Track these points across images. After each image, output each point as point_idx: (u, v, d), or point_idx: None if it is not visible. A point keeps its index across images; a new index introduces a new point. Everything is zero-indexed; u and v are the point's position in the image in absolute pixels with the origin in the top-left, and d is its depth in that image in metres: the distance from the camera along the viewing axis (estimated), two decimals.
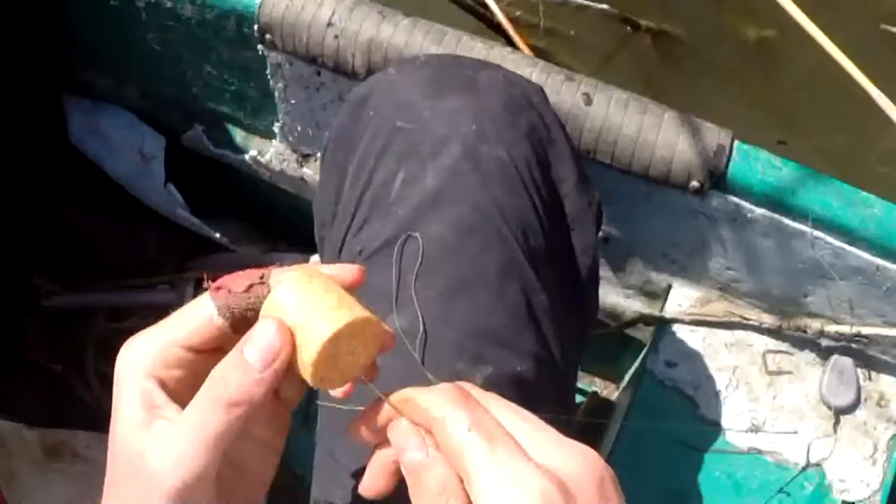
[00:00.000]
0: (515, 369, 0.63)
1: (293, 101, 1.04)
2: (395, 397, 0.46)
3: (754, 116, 1.54)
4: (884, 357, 0.96)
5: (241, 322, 0.46)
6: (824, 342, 0.97)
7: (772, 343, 0.99)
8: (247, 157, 1.15)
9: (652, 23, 1.61)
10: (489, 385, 0.61)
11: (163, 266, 1.30)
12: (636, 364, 1.11)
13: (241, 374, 0.43)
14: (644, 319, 1.04)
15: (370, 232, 0.68)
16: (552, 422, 0.46)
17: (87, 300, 1.29)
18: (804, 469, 0.93)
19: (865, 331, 0.93)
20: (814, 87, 1.51)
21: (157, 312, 1.26)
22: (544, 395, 0.65)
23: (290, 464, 0.52)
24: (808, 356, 0.98)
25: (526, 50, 1.43)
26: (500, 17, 1.26)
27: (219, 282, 0.47)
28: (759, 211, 0.89)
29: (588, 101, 0.86)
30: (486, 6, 1.45)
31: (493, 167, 0.67)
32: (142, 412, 0.44)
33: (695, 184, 0.86)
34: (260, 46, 0.97)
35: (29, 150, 1.20)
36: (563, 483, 0.41)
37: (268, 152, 1.14)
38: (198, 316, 0.46)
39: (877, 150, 1.46)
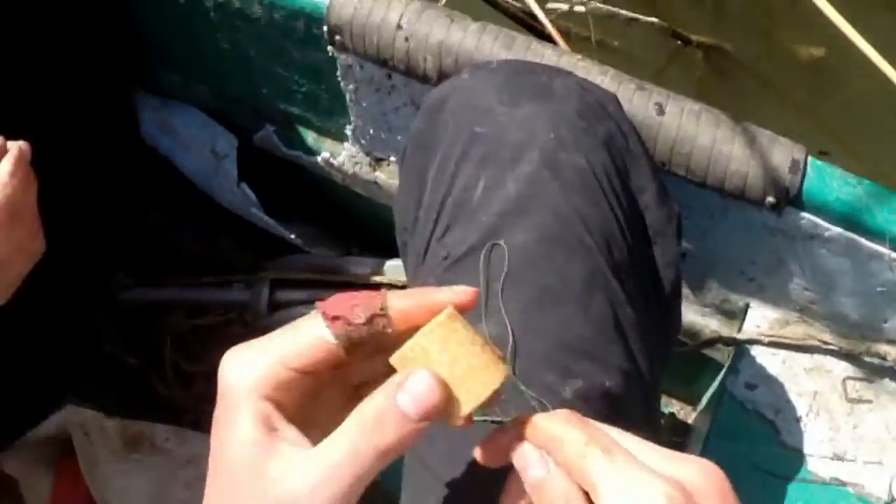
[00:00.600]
0: (604, 384, 0.62)
1: (364, 104, 1.03)
2: (517, 422, 0.47)
3: (808, 135, 1.52)
4: None
5: (355, 347, 0.46)
6: None
7: (851, 369, 0.97)
8: (319, 159, 1.14)
9: (703, 37, 1.60)
10: (580, 399, 0.60)
11: (237, 265, 1.31)
12: (715, 384, 1.08)
13: (397, 423, 0.43)
14: (723, 340, 1.02)
15: (454, 238, 0.67)
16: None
17: (164, 295, 1.30)
18: None
19: None
20: (868, 105, 1.48)
21: (235, 310, 1.27)
22: (634, 411, 0.64)
23: (384, 484, 0.52)
24: (888, 385, 0.96)
25: None
26: (551, 29, 1.24)
27: (328, 304, 0.46)
28: (836, 230, 0.86)
29: (660, 111, 0.84)
30: (535, 18, 1.44)
31: (572, 175, 0.66)
32: (261, 434, 0.44)
33: (771, 199, 0.84)
34: (330, 48, 0.97)
35: (103, 147, 1.21)
36: (686, 490, 0.41)
37: (340, 155, 1.13)
38: (309, 339, 0.46)
39: None
